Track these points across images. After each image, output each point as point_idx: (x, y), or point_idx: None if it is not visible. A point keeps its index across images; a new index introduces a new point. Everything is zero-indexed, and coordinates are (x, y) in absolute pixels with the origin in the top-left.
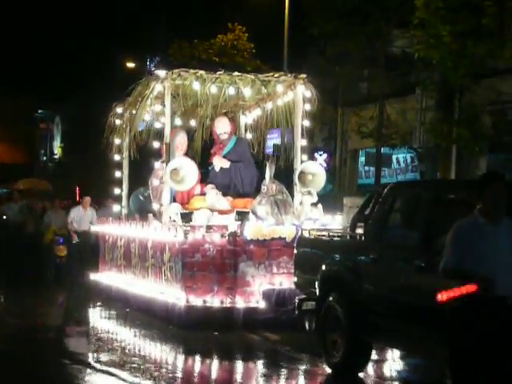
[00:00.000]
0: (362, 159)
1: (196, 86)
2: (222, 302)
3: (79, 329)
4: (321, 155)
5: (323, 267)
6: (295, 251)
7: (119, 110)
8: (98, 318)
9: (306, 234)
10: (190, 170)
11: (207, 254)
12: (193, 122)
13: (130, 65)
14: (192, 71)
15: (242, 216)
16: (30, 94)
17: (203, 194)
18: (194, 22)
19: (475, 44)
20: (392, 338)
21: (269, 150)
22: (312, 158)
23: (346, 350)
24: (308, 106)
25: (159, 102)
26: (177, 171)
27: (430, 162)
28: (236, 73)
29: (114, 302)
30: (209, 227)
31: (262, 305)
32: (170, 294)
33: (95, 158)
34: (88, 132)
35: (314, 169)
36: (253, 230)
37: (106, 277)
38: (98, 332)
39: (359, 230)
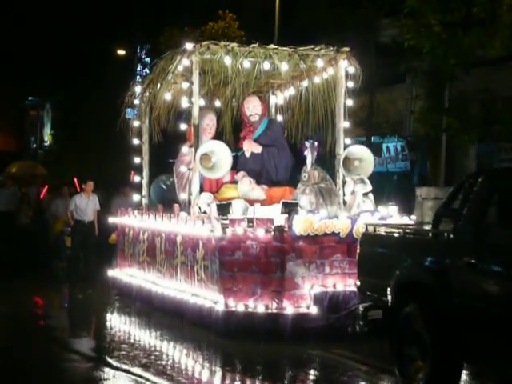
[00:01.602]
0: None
1: (227, 60)
2: (266, 308)
3: (94, 332)
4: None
5: (398, 271)
6: (359, 250)
7: (137, 88)
8: (119, 320)
9: (371, 230)
10: (222, 156)
11: (249, 251)
12: (217, 103)
13: (121, 52)
14: (223, 43)
15: (288, 207)
16: (19, 81)
17: (233, 182)
18: (185, 9)
19: (466, 33)
20: (495, 360)
21: None
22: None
23: (430, 372)
24: (350, 84)
25: (182, 79)
26: (208, 157)
27: (420, 151)
28: (271, 45)
29: (135, 301)
30: (250, 221)
31: (314, 310)
32: (205, 296)
33: (91, 144)
34: (80, 119)
35: (361, 153)
36: (302, 224)
37: (125, 274)
38: (120, 336)
39: (444, 227)
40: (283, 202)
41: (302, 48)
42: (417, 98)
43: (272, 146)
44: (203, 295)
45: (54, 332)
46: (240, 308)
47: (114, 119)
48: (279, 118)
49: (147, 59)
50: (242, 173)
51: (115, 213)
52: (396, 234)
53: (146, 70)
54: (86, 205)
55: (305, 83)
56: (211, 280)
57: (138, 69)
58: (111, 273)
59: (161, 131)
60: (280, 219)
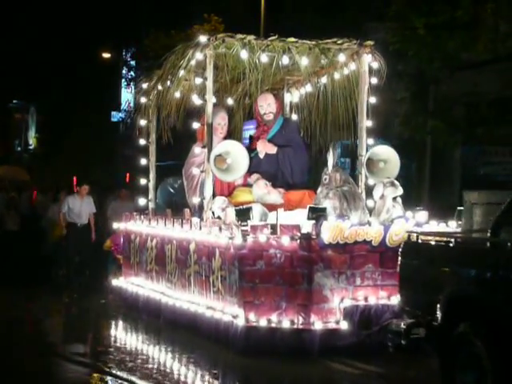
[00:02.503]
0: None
1: (243, 54)
2: (291, 323)
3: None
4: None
5: (449, 285)
6: (400, 262)
7: (145, 85)
8: (124, 333)
9: (414, 239)
10: (238, 157)
11: (273, 261)
12: (228, 101)
13: (106, 55)
14: (239, 36)
15: (315, 213)
16: (3, 84)
17: (245, 184)
18: (171, 12)
19: (450, 36)
20: None
21: (245, 141)
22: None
23: None
24: (374, 80)
25: (193, 75)
26: (222, 158)
27: (405, 153)
28: (291, 38)
29: (142, 313)
30: (272, 227)
31: (344, 326)
32: (223, 310)
33: (76, 147)
34: (65, 121)
35: (386, 154)
36: (332, 231)
37: (130, 283)
38: (127, 352)
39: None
40: (310, 207)
41: (323, 41)
42: (401, 101)
43: (288, 146)
44: (220, 308)
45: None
46: (262, 323)
47: (100, 122)
48: (294, 116)
49: (132, 62)
50: (256, 175)
51: (112, 217)
52: (445, 244)
53: (132, 72)
54: (79, 207)
55: (323, 79)
56: (229, 292)
57: (124, 72)
58: (115, 282)
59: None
60: (306, 226)
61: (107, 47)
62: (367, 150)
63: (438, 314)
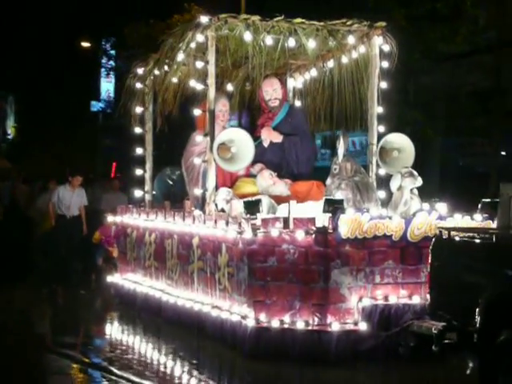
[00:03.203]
0: (319, 142)
1: (247, 36)
2: (306, 324)
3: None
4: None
5: (491, 288)
6: (430, 260)
7: (140, 70)
8: (122, 331)
9: (445, 236)
10: (243, 146)
11: (286, 257)
12: (228, 87)
13: (85, 44)
14: (243, 17)
15: (332, 205)
16: None
17: (248, 175)
18: (150, 2)
19: (430, 28)
20: None
21: None
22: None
23: None
24: (385, 64)
25: (191, 59)
26: (226, 146)
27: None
28: (298, 19)
29: (140, 311)
30: (285, 221)
31: (363, 327)
32: (230, 309)
33: (56, 136)
34: (44, 111)
35: (401, 142)
36: (350, 224)
37: (127, 280)
38: (126, 350)
39: None
40: (326, 199)
41: (331, 22)
42: (382, 92)
43: (294, 134)
44: (227, 308)
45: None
46: (274, 324)
47: (79, 111)
48: (297, 103)
49: (112, 52)
50: (259, 165)
51: (106, 209)
52: (485, 241)
53: (111, 62)
54: (70, 198)
55: (330, 64)
56: (238, 290)
57: (103, 61)
58: (110, 278)
59: (166, 119)
60: (322, 219)
61: (86, 36)
62: (378, 139)
63: (477, 318)
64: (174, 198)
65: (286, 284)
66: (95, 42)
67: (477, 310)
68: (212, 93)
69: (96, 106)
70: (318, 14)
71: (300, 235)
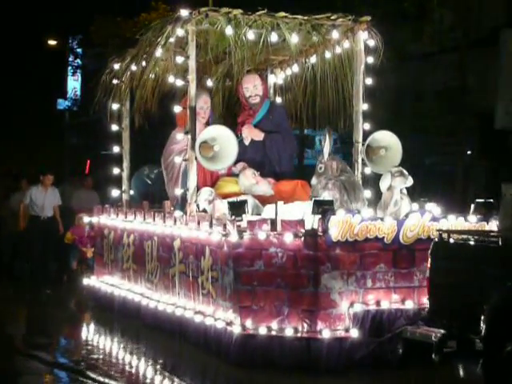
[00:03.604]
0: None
1: (228, 30)
2: (295, 331)
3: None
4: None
5: (496, 294)
6: (430, 264)
7: (116, 66)
8: (98, 336)
9: (445, 238)
10: (226, 144)
11: (274, 261)
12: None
13: (52, 42)
14: (224, 10)
15: (321, 206)
16: None
17: (230, 174)
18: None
19: (397, 28)
20: None
21: None
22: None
23: None
24: (370, 59)
25: (170, 54)
26: (208, 145)
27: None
28: (281, 13)
29: (118, 315)
30: (272, 223)
31: (354, 334)
32: (214, 315)
33: (21, 134)
34: (9, 108)
35: (388, 140)
36: (340, 226)
37: (104, 283)
38: (102, 356)
39: None
40: (315, 200)
41: (315, 17)
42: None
43: (275, 132)
44: (211, 313)
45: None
46: (261, 331)
47: (45, 109)
48: (278, 100)
49: (79, 50)
50: (241, 164)
51: (77, 208)
52: (490, 244)
53: (78, 60)
54: (43, 198)
55: (312, 59)
56: (222, 295)
57: (70, 59)
58: (86, 281)
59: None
60: (310, 221)
61: (53, 34)
62: (364, 136)
63: (482, 326)
64: (152, 197)
65: (273, 289)
66: (62, 40)
67: (482, 317)
68: (193, 89)
69: (62, 104)
70: (285, 10)
71: (288, 238)
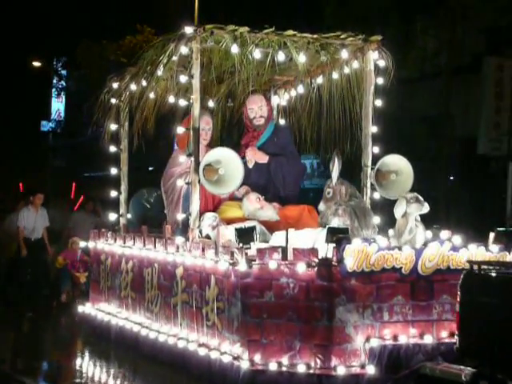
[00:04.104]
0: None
1: (234, 49)
2: (307, 367)
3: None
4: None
5: None
6: (460, 298)
7: (115, 85)
8: (92, 368)
9: (476, 270)
10: (231, 167)
11: (285, 292)
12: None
13: (36, 64)
14: (230, 28)
15: (335, 234)
16: None
17: (232, 198)
18: (103, 22)
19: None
20: None
21: None
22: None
23: None
24: (380, 80)
25: (171, 73)
26: (212, 168)
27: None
28: (290, 31)
29: (114, 346)
30: (283, 251)
31: (370, 370)
32: (220, 348)
33: (5, 156)
34: None
35: (399, 164)
36: (356, 256)
37: (100, 311)
38: None
39: None
40: (329, 228)
41: (324, 35)
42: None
43: (280, 155)
44: (216, 346)
45: None
46: (271, 366)
47: (29, 131)
48: (281, 122)
49: (63, 72)
50: (244, 187)
51: (74, 231)
52: None
53: (62, 82)
54: (33, 220)
55: (319, 80)
56: (229, 328)
57: (54, 81)
58: (81, 308)
59: (143, 137)
60: (324, 250)
61: (37, 56)
62: (373, 160)
63: None
64: (150, 222)
65: (284, 322)
66: (46, 62)
67: None
68: (197, 109)
69: (46, 125)
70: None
71: (301, 268)
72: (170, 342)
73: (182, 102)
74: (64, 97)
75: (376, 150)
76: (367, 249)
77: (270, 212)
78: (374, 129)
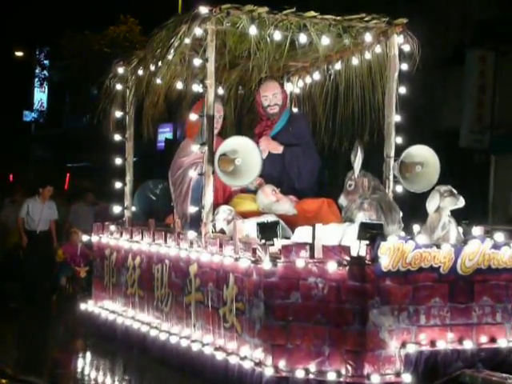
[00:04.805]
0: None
1: (252, 30)
2: (338, 374)
3: None
4: None
5: None
6: None
7: (121, 70)
8: (95, 371)
9: None
10: (249, 157)
11: (313, 293)
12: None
13: (19, 54)
14: (248, 8)
15: (369, 230)
16: None
17: (245, 190)
18: (86, 12)
19: None
20: None
21: (160, 144)
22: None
23: None
24: (405, 66)
25: (181, 56)
26: (228, 158)
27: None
28: (311, 12)
29: (119, 347)
30: (311, 249)
31: (406, 379)
32: (240, 353)
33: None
34: None
35: (423, 156)
36: (392, 254)
37: (103, 309)
38: None
39: None
40: (362, 223)
41: (347, 17)
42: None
43: (296, 145)
44: (235, 350)
45: None
46: (297, 374)
47: (12, 121)
48: (295, 110)
49: (46, 61)
50: (258, 179)
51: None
52: None
53: (45, 72)
54: (40, 212)
55: (336, 66)
56: (250, 331)
57: (37, 71)
58: (83, 306)
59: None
60: (356, 247)
61: (20, 46)
62: (397, 151)
63: None
64: (156, 215)
65: (312, 325)
66: (29, 52)
67: None
68: (211, 95)
69: (29, 116)
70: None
71: (331, 267)
72: (183, 344)
73: (195, 88)
74: (47, 87)
75: (399, 140)
76: (404, 246)
77: (287, 205)
78: (397, 117)
